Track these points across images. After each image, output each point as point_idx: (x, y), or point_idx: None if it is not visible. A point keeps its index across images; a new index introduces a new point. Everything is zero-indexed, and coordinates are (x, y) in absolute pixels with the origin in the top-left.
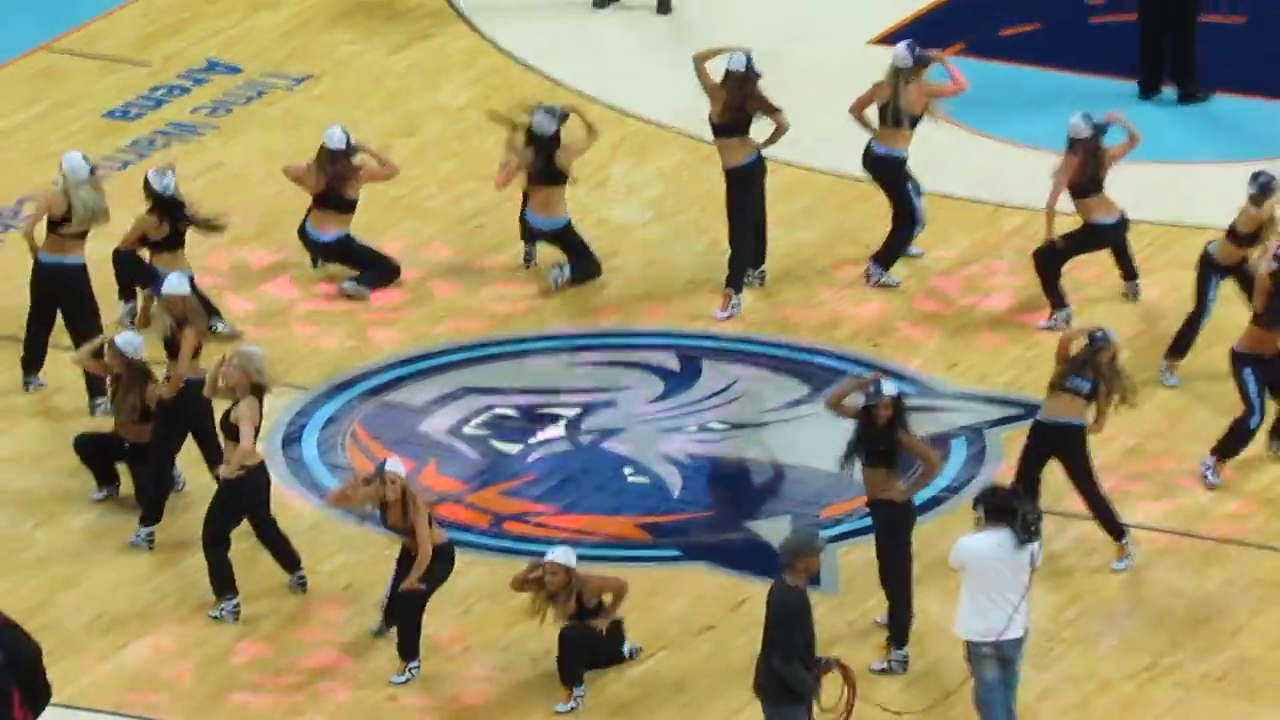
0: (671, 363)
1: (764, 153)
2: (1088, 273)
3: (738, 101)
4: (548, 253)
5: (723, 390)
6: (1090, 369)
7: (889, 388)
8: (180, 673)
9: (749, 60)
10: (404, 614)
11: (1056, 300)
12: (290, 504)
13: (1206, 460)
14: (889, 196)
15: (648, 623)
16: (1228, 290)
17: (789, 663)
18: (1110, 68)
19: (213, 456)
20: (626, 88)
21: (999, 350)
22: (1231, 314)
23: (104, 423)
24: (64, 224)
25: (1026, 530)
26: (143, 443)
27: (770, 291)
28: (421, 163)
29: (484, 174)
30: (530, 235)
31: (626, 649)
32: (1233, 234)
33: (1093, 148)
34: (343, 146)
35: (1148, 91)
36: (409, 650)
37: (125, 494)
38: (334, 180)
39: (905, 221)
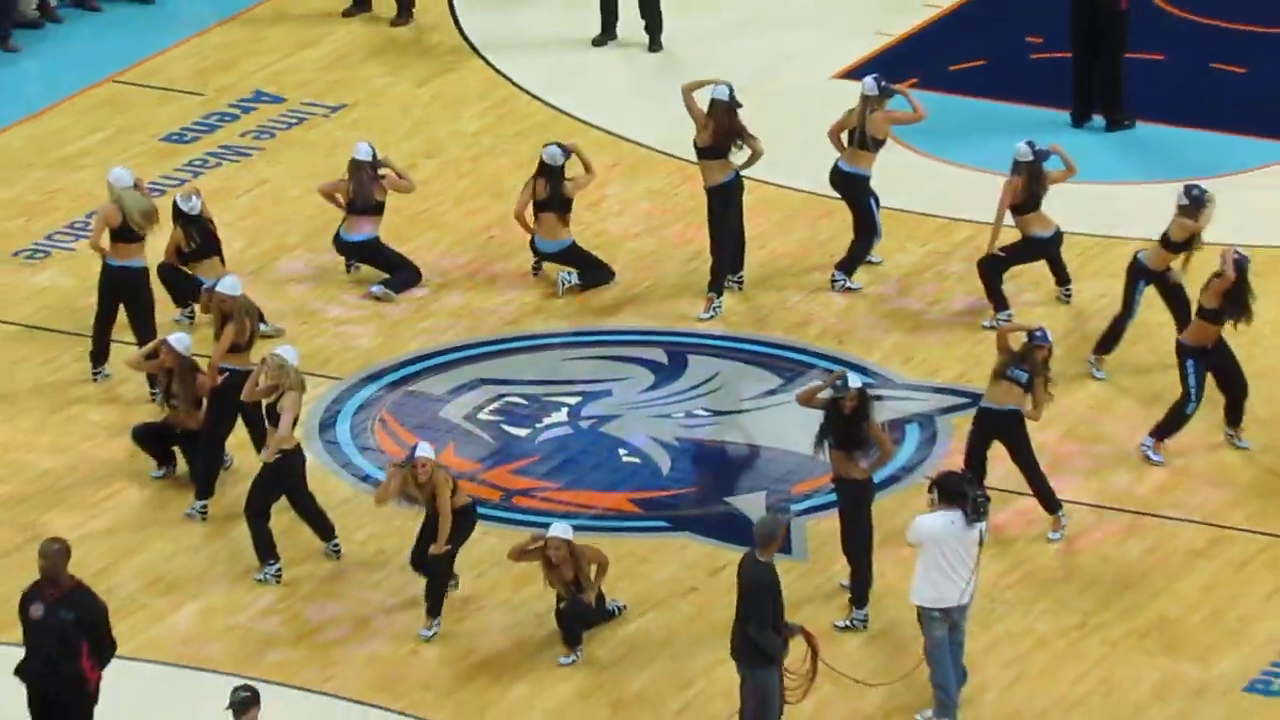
0: (661, 357)
1: (742, 173)
2: (1026, 279)
3: (720, 128)
4: (554, 264)
5: (706, 382)
6: (1027, 362)
7: (855, 381)
8: (229, 629)
9: (731, 91)
10: (432, 573)
11: (999, 303)
12: (326, 481)
13: (1146, 441)
14: (852, 210)
15: (638, 586)
16: (1149, 295)
17: (762, 630)
18: (1046, 99)
19: (259, 440)
20: (620, 115)
21: (948, 346)
22: (1152, 316)
23: (160, 411)
24: (123, 231)
25: (976, 511)
26: (193, 428)
27: (748, 295)
28: (441, 180)
29: (495, 191)
30: (538, 257)
31: (612, 607)
32: (1165, 242)
33: (1034, 171)
34: (369, 158)
35: (1079, 120)
36: (434, 607)
37: (180, 472)
38: (361, 187)
39: (866, 233)
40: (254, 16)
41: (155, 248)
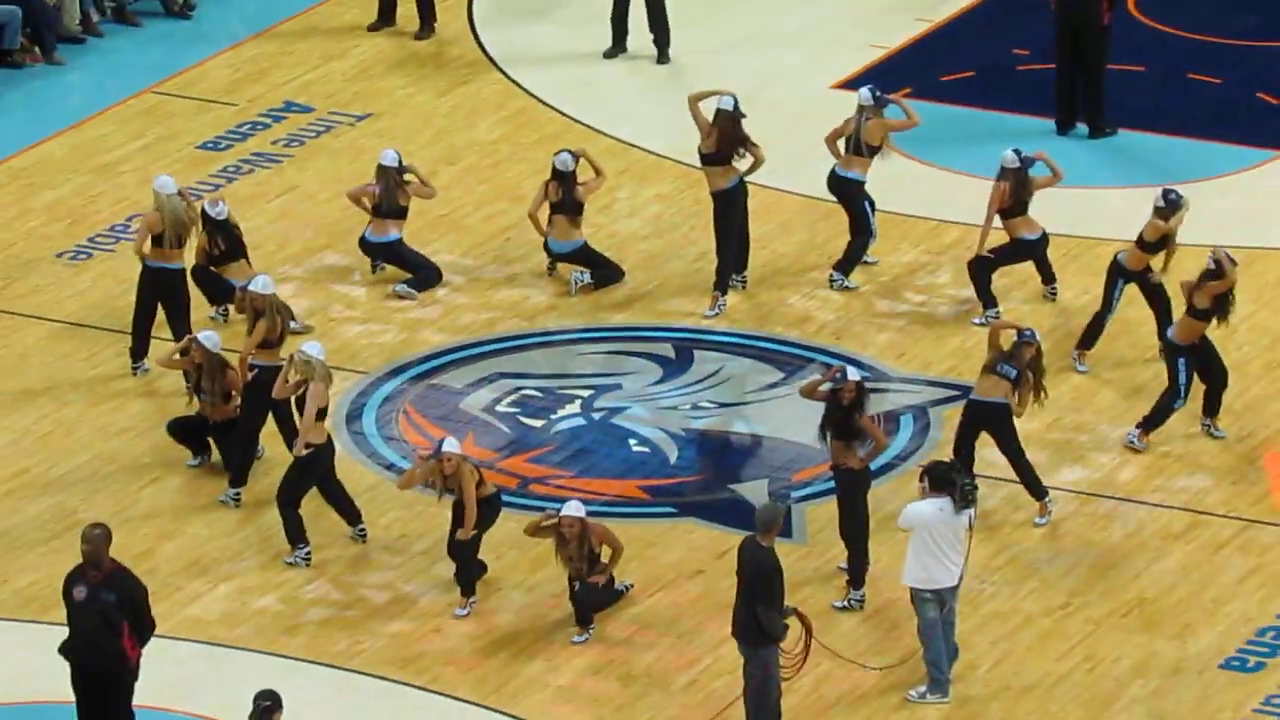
0: (668, 352)
1: (745, 179)
2: (1012, 278)
3: (724, 136)
4: (568, 265)
5: (711, 375)
6: (1016, 359)
7: (852, 374)
8: (261, 609)
9: (735, 101)
10: (461, 558)
11: (987, 301)
12: (353, 469)
13: (1133, 432)
14: (848, 213)
15: (647, 569)
16: (1130, 293)
17: (769, 611)
18: (1032, 108)
19: (288, 431)
20: (630, 124)
21: (940, 342)
22: (1132, 313)
23: (190, 405)
24: (164, 236)
25: (964, 499)
26: (225, 420)
27: (751, 293)
28: (461, 186)
29: (513, 196)
30: (551, 258)
31: (621, 586)
32: (1141, 243)
33: (1021, 177)
34: (395, 164)
35: (1063, 128)
36: (467, 587)
37: (214, 461)
38: (387, 191)
39: (862, 234)
40: (284, 31)
41: (192, 249)
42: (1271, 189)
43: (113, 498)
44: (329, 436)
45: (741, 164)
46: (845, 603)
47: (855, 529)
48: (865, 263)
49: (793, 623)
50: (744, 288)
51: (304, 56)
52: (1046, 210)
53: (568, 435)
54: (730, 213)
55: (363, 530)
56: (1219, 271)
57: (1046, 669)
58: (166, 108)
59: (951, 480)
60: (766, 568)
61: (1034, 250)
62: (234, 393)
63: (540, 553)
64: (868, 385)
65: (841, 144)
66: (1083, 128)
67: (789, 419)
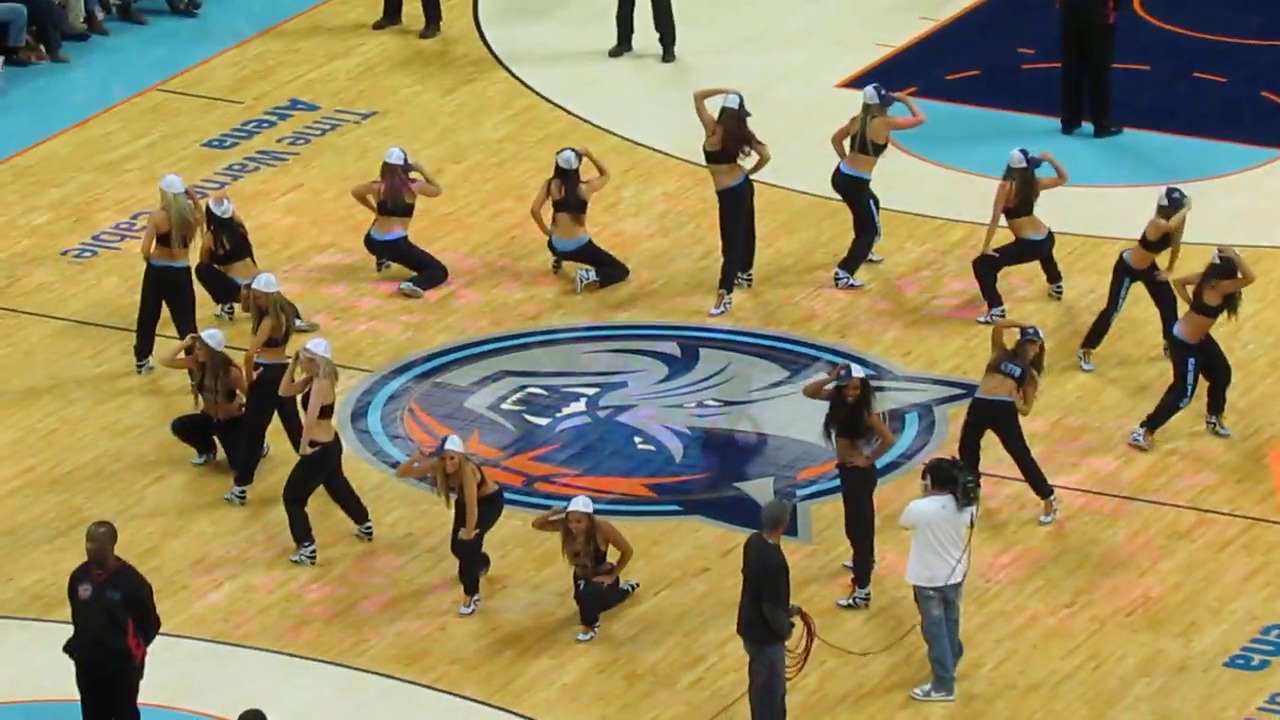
0: (674, 350)
1: (751, 177)
2: (1018, 276)
3: (729, 134)
4: (573, 263)
5: (716, 373)
6: (1020, 358)
7: (858, 371)
8: (267, 607)
9: (741, 100)
10: (464, 556)
11: (993, 300)
12: (358, 467)
13: (1137, 431)
14: (853, 211)
15: (653, 567)
16: (1136, 291)
17: (776, 609)
18: (1038, 107)
19: (294, 429)
20: (636, 123)
21: (945, 341)
22: (1137, 311)
23: (195, 403)
24: (170, 235)
25: (966, 496)
26: (229, 418)
27: (756, 291)
28: (466, 185)
29: (518, 195)
30: (556, 256)
31: (626, 586)
32: (1144, 241)
33: (1027, 177)
34: (400, 162)
35: (1068, 127)
36: (471, 586)
37: (220, 459)
38: (393, 189)
39: (867, 232)
40: (289, 29)
41: (197, 248)
42: (1277, 188)
43: (118, 495)
44: (336, 434)
45: (747, 162)
46: (850, 601)
47: (860, 527)
48: (870, 261)
49: (796, 622)
50: (749, 286)
51: (309, 54)
52: (1052, 209)
53: (573, 433)
54: (736, 211)
55: (369, 528)
56: (1228, 269)
57: (1052, 667)
58: (172, 106)
59: (953, 478)
60: (773, 565)
61: (1039, 250)
62: (238, 391)
63: (545, 551)
64: (873, 383)
65: (847, 142)
66: (1088, 127)
67: (794, 417)
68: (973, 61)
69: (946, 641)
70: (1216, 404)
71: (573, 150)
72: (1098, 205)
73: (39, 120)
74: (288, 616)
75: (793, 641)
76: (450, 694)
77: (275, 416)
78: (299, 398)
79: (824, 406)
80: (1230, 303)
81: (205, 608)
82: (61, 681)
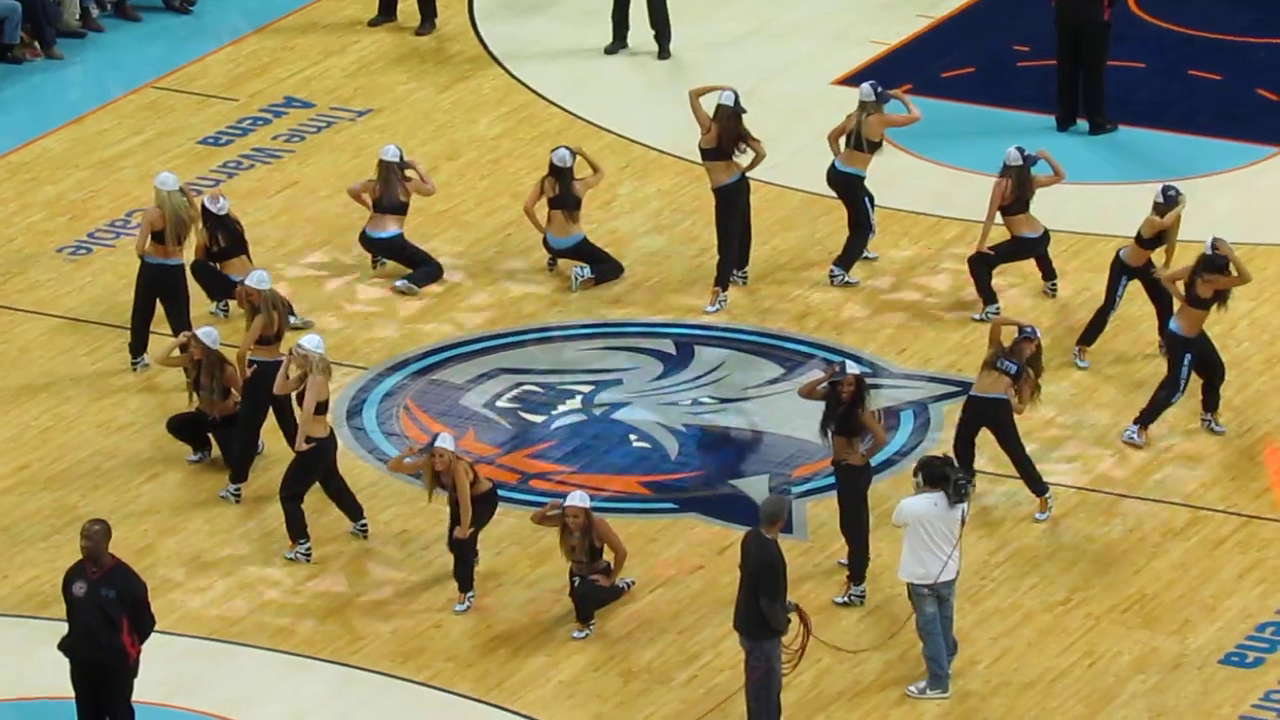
0: (669, 348)
1: (746, 175)
2: (1014, 273)
3: (725, 131)
4: (568, 260)
5: (712, 371)
6: (1016, 356)
7: (853, 369)
8: (262, 604)
9: (736, 97)
10: (458, 554)
11: (987, 297)
12: (354, 464)
13: (1131, 428)
14: (848, 208)
15: (648, 564)
16: (1132, 288)
17: (774, 603)
18: (1033, 104)
19: (288, 427)
20: (631, 120)
21: (940, 338)
22: (1133, 309)
23: (190, 401)
24: (164, 233)
25: (957, 493)
26: (224, 415)
27: (751, 289)
28: (462, 182)
29: (514, 192)
30: (551, 253)
31: (621, 584)
32: (1139, 239)
33: (1023, 174)
34: (396, 160)
35: (1064, 124)
36: (465, 583)
37: (215, 457)
38: (388, 186)
39: (862, 230)
40: (285, 26)
41: (192, 245)
42: (1271, 185)
43: (113, 493)
44: (331, 431)
45: (742, 159)
46: (846, 598)
47: (856, 525)
48: (865, 258)
49: (792, 618)
50: (745, 283)
51: (305, 52)
52: (1047, 207)
53: (568, 431)
54: (731, 208)
55: (364, 526)
56: (1220, 265)
57: (1047, 665)
58: (167, 103)
59: (945, 475)
60: (771, 560)
61: (1035, 248)
62: (233, 389)
63: (541, 548)
64: (868, 380)
65: (842, 140)
66: (1083, 124)
67: (790, 414)
68: (968, 59)
69: (941, 639)
70: (1211, 401)
71: (567, 148)
72: (1093, 203)
73: (34, 117)
74: (283, 614)
75: (789, 638)
76: (445, 691)
77: (270, 414)
78: (294, 395)
79: (819, 405)
80: (1221, 296)
81: (200, 605)
82: (56, 679)
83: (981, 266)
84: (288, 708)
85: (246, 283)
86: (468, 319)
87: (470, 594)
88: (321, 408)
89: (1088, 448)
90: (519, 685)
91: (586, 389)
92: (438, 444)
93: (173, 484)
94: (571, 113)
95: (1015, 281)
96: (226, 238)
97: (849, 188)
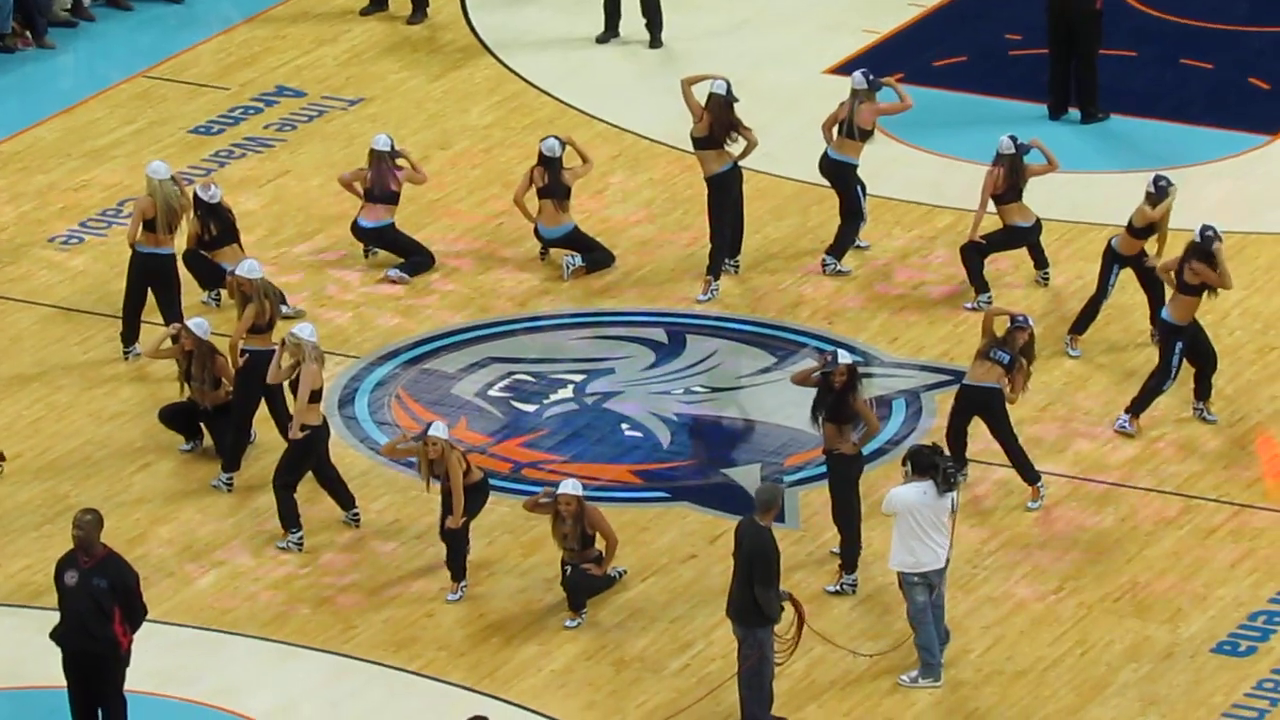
0: (661, 337)
1: (739, 163)
2: (1005, 263)
3: (717, 120)
4: (560, 249)
5: (703, 360)
6: (1009, 345)
7: (845, 357)
8: (254, 593)
9: (728, 86)
10: (450, 543)
11: (980, 286)
12: (346, 453)
13: (1122, 417)
14: (840, 196)
15: (640, 553)
16: (1124, 277)
17: (768, 590)
18: (1025, 93)
19: (280, 416)
20: (623, 109)
21: (932, 327)
22: (1124, 298)
23: (180, 391)
24: (156, 221)
25: (946, 482)
26: (216, 405)
27: (743, 278)
28: (454, 171)
29: (505, 181)
30: (542, 243)
31: (613, 573)
32: (1130, 228)
33: (1016, 163)
34: (387, 149)
35: (1056, 113)
36: (458, 573)
37: (207, 446)
38: (380, 176)
39: (854, 218)
40: (276, 15)
41: (184, 234)
42: (1263, 174)
43: (105, 483)
44: (324, 419)
45: (734, 148)
46: (838, 587)
47: (847, 514)
48: (857, 247)
49: (786, 607)
50: (737, 272)
51: (296, 41)
52: (1039, 196)
53: (560, 420)
54: (723, 197)
55: (356, 515)
56: (1206, 254)
57: (1039, 654)
58: (158, 92)
59: (934, 464)
60: (765, 547)
61: (1027, 237)
62: (224, 379)
63: (533, 538)
64: (860, 369)
65: (835, 128)
66: (1075, 113)
67: (781, 403)
68: (960, 47)
69: (933, 628)
70: (1203, 390)
71: (556, 138)
72: (1085, 192)
73: (25, 107)
74: (275, 603)
75: (782, 627)
76: (437, 680)
77: (262, 403)
78: (286, 384)
79: (812, 392)
80: (1207, 286)
81: (192, 594)
82: (48, 668)
83: (974, 255)
84: (280, 697)
85: (238, 272)
86: (459, 308)
87: (463, 583)
88: (315, 396)
89: (1080, 437)
90: (511, 674)
91: (578, 378)
92: (431, 432)
93: (164, 473)
94: (563, 102)
95: (1008, 270)
96: (218, 226)
97: (841, 176)
